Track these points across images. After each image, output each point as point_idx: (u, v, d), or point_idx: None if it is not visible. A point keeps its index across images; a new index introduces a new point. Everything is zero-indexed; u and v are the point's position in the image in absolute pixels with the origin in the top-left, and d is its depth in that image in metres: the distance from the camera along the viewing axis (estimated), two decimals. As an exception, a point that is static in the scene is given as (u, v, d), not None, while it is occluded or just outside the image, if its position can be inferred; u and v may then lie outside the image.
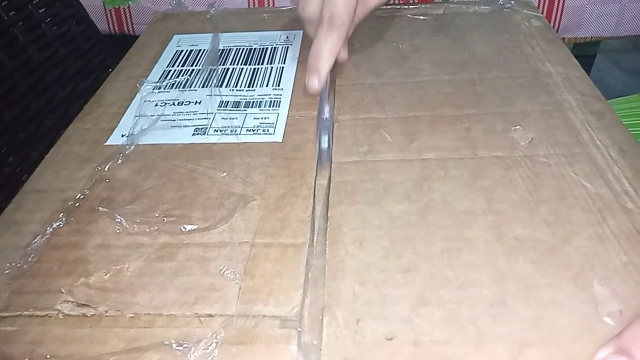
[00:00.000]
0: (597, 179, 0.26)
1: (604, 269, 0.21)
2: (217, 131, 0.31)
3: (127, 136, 0.31)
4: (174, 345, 0.20)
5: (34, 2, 0.43)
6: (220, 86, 0.36)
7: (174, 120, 0.33)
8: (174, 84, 0.36)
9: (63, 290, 0.22)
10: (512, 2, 0.45)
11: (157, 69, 0.38)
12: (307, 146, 0.30)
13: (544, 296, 0.21)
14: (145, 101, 0.35)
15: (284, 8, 0.48)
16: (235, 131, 0.31)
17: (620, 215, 0.24)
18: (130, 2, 0.54)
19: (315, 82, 0.31)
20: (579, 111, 0.31)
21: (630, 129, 0.29)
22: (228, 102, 0.34)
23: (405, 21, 0.44)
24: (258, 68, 0.38)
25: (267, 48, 0.40)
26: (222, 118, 0.32)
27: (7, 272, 0.23)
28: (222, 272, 0.22)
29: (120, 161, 0.29)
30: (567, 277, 0.21)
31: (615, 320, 0.19)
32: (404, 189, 0.26)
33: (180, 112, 0.33)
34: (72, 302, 0.22)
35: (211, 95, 0.35)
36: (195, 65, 0.38)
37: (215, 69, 0.38)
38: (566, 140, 0.29)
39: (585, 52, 0.62)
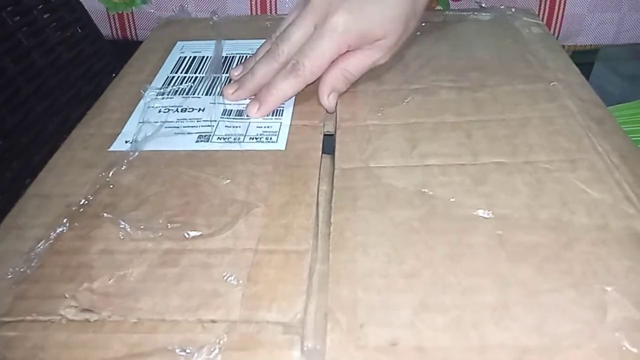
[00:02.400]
0: (599, 185, 0.26)
1: (607, 275, 0.21)
2: (220, 139, 0.31)
3: (131, 142, 0.31)
4: (177, 351, 0.20)
5: (39, 7, 0.43)
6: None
7: (178, 127, 0.33)
8: (177, 90, 0.37)
9: (66, 295, 0.22)
10: (513, 9, 0.45)
11: (160, 75, 0.39)
12: (309, 154, 0.30)
13: (546, 302, 0.21)
14: (149, 107, 0.35)
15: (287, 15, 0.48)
16: (239, 139, 0.31)
17: (622, 220, 0.24)
18: (133, 7, 0.54)
19: (255, 109, 0.33)
20: (580, 117, 0.31)
21: (629, 135, 0.29)
22: (231, 110, 0.34)
23: (406, 28, 0.44)
24: (260, 75, 0.38)
25: (269, 55, 0.40)
26: (226, 126, 0.32)
27: (9, 277, 0.23)
28: (225, 278, 0.22)
29: (124, 167, 0.29)
30: (570, 282, 0.21)
31: (619, 326, 0.20)
32: (406, 195, 0.26)
33: (184, 118, 0.33)
34: (76, 307, 0.22)
35: (214, 103, 0.35)
36: (199, 72, 0.39)
37: (218, 77, 0.38)
38: (567, 146, 0.29)
39: (584, 60, 0.62)
